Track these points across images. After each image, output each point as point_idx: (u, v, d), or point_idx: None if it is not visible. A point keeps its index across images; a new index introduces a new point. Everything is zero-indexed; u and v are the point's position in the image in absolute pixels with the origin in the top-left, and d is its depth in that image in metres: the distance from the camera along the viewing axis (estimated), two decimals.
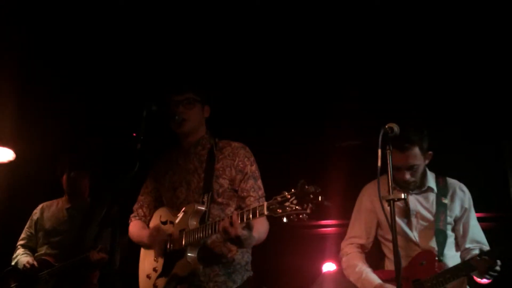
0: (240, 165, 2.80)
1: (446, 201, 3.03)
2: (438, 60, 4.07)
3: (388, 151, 2.46)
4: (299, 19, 3.83)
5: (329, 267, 6.05)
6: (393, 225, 2.37)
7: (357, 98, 4.34)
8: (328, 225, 6.39)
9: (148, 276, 2.75)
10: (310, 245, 6.35)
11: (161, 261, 2.72)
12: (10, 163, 4.52)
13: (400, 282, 2.34)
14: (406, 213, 3.04)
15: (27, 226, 4.17)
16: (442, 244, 2.97)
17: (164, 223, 2.81)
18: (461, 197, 3.08)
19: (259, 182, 2.83)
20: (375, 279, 3.00)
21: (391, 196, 2.38)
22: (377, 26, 3.80)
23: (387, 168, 2.46)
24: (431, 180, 3.09)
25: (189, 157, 2.90)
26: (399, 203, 3.01)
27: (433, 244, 2.98)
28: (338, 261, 5.81)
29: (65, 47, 4.11)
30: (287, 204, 2.20)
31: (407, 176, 2.96)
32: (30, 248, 4.11)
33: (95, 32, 3.97)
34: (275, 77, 4.39)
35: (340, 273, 5.60)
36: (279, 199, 2.24)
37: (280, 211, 2.21)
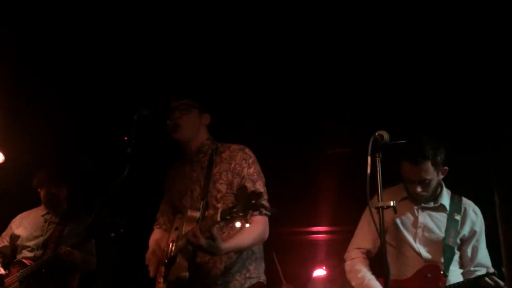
0: (238, 168, 2.74)
1: (458, 217, 3.04)
2: (427, 68, 4.09)
3: (378, 158, 2.47)
4: (292, 29, 3.85)
5: (319, 273, 6.05)
6: (382, 233, 2.38)
7: (348, 106, 4.36)
8: (319, 232, 6.40)
9: (158, 282, 2.76)
10: (301, 251, 6.36)
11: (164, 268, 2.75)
12: None
13: None
14: (414, 224, 3.06)
15: (5, 232, 4.21)
16: (449, 260, 2.97)
17: (176, 229, 2.83)
18: (473, 219, 3.07)
19: (258, 185, 2.71)
20: (377, 286, 3.00)
21: (380, 204, 2.39)
22: (368, 35, 3.82)
23: (377, 175, 2.47)
24: (445, 198, 3.09)
25: (192, 165, 2.89)
26: (409, 215, 3.06)
27: (441, 259, 2.98)
28: (329, 267, 5.86)
29: (58, 50, 4.10)
30: (234, 210, 2.27)
31: (418, 189, 2.98)
32: (3, 254, 4.14)
33: (87, 36, 3.96)
34: (267, 85, 4.40)
35: (329, 278, 5.64)
36: (230, 205, 2.33)
37: (228, 217, 2.30)
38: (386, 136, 2.52)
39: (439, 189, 3.09)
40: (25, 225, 4.16)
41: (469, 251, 3.05)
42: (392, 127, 2.57)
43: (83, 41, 4.01)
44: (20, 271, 3.92)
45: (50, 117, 4.60)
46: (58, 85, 4.38)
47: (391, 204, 2.40)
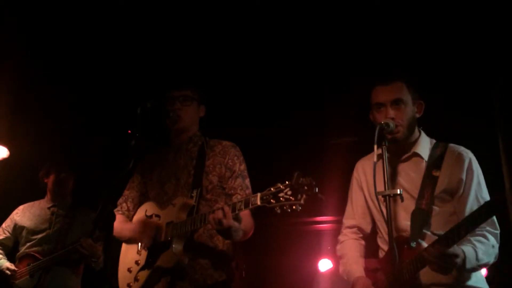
0: (230, 163, 2.83)
1: (437, 173, 2.51)
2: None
3: (384, 146, 2.45)
4: (295, 15, 3.82)
5: (325, 263, 6.07)
6: (389, 222, 2.35)
7: (353, 94, 4.33)
8: (324, 222, 6.40)
9: (129, 270, 2.73)
10: (306, 241, 6.37)
11: (144, 254, 2.71)
12: (4, 160, 4.50)
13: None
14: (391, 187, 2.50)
15: (5, 224, 4.19)
16: (418, 226, 2.45)
17: (150, 216, 2.81)
18: (455, 165, 2.50)
19: (247, 181, 2.85)
20: (356, 271, 2.64)
21: (387, 192, 2.37)
22: (375, 23, 3.79)
23: (382, 163, 2.46)
24: (422, 145, 2.60)
25: (179, 153, 2.92)
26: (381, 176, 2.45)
27: (407, 226, 2.50)
28: (334, 258, 5.87)
29: (62, 44, 4.10)
30: (281, 194, 2.25)
31: (391, 113, 2.52)
32: (4, 245, 4.13)
33: (92, 30, 3.96)
34: (271, 73, 4.39)
35: (337, 273, 5.62)
36: (272, 189, 2.28)
37: (273, 201, 2.25)
38: (392, 124, 2.51)
39: (416, 135, 2.62)
40: (29, 217, 4.14)
41: (456, 204, 2.49)
42: None
43: (85, 35, 4.00)
44: (31, 264, 3.92)
45: (55, 112, 4.60)
46: (62, 80, 4.38)
47: (398, 192, 2.39)
